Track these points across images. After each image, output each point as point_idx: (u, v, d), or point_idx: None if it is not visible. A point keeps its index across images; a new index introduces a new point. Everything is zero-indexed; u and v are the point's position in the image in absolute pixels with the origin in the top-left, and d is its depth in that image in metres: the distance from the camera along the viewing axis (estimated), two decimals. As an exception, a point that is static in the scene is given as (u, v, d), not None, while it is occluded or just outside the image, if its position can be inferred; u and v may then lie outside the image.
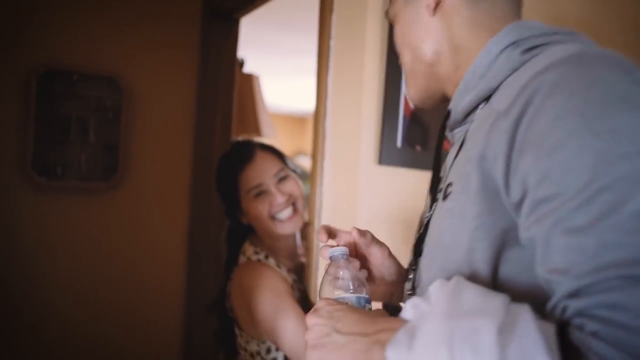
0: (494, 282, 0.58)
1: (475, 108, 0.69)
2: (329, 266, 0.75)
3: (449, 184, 0.65)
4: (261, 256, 1.42)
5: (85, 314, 1.96)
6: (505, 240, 0.58)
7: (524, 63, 0.63)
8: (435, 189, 0.75)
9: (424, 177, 1.36)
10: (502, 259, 0.58)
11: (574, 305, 0.47)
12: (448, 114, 0.75)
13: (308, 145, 7.47)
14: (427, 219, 0.73)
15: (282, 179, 1.42)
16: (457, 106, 0.71)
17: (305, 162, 7.35)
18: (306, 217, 1.47)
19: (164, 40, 2.17)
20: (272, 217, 1.39)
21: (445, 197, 0.66)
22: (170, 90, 2.19)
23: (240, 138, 2.59)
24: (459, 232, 0.61)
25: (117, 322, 2.01)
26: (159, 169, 2.16)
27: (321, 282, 0.75)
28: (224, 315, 1.47)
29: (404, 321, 0.58)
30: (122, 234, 2.06)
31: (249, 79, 2.64)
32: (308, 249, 1.40)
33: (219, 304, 1.50)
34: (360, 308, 0.69)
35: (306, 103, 6.40)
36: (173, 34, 2.19)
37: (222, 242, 1.94)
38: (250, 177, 1.41)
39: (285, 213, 1.40)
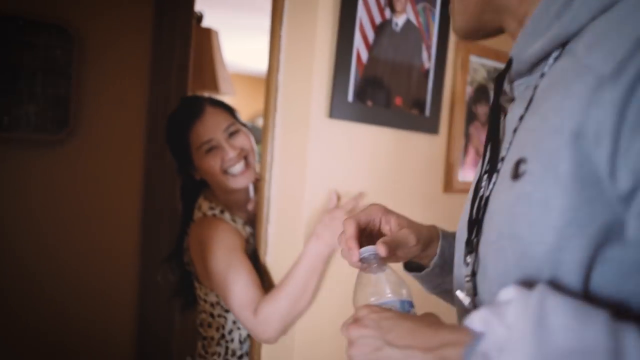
0: (584, 287, 0.47)
1: (547, 56, 0.56)
2: (360, 270, 0.67)
3: (521, 160, 0.52)
4: (216, 211, 1.43)
5: (34, 268, 1.93)
6: (604, 239, 0.46)
7: (618, 1, 0.50)
8: (495, 159, 0.61)
9: (374, 131, 1.38)
10: (598, 261, 0.46)
11: None
12: (509, 63, 0.63)
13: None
14: (483, 194, 0.62)
15: (232, 134, 1.42)
16: (522, 53, 0.59)
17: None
18: (258, 170, 1.48)
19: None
20: (225, 172, 1.39)
21: (516, 175, 0.53)
22: (123, 42, 2.12)
23: (197, 93, 2.55)
24: (541, 225, 0.49)
25: (67, 276, 1.99)
26: (112, 123, 2.11)
27: (355, 289, 0.66)
28: (182, 268, 1.48)
29: (470, 333, 0.48)
30: (72, 189, 2.02)
31: (208, 34, 2.58)
32: (259, 203, 1.41)
33: (175, 257, 1.51)
34: (407, 312, 0.61)
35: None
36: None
37: (178, 197, 1.93)
38: (200, 132, 1.40)
39: (238, 167, 1.40)
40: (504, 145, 0.60)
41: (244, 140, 1.44)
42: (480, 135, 1.66)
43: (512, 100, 0.64)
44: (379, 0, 1.35)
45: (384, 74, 1.39)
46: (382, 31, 1.37)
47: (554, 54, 0.55)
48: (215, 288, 1.37)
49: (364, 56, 1.34)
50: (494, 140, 0.62)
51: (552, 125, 0.49)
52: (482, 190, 0.62)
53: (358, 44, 1.32)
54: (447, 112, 1.57)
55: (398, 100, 1.43)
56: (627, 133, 0.42)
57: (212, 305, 1.44)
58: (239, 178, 1.41)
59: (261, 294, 1.27)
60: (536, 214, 0.49)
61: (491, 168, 0.61)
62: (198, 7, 2.40)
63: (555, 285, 0.47)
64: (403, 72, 1.44)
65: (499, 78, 0.66)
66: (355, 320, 0.59)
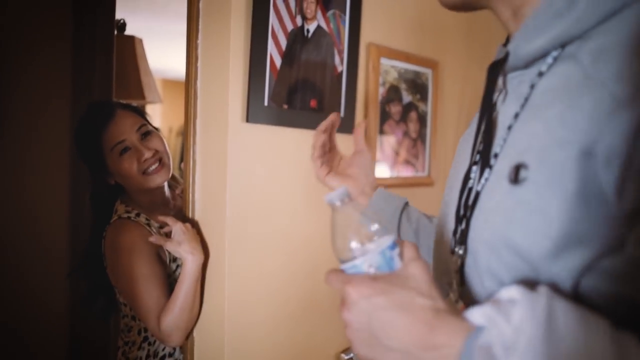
0: (573, 291, 0.49)
1: (545, 54, 0.56)
2: (333, 217, 0.60)
3: (522, 165, 0.53)
4: (132, 214, 1.45)
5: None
6: (601, 251, 0.47)
7: (627, 5, 0.49)
8: (487, 154, 0.61)
9: (291, 133, 1.45)
10: (591, 268, 0.48)
11: None
12: (505, 56, 0.61)
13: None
14: (473, 187, 0.63)
15: (145, 134, 1.46)
16: (520, 49, 0.58)
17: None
18: (176, 172, 1.52)
19: (33, 6, 2.06)
20: (141, 173, 1.42)
21: (516, 180, 0.53)
22: (44, 54, 2.10)
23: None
24: (539, 233, 0.50)
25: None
26: (35, 135, 2.08)
27: (332, 237, 0.60)
28: (101, 274, 1.49)
29: (470, 330, 0.48)
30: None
31: (131, 42, 2.58)
32: (183, 207, 1.45)
33: (90, 263, 1.51)
34: (390, 268, 0.55)
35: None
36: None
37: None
38: (113, 133, 1.43)
39: (153, 167, 1.44)
40: (497, 140, 0.60)
41: (157, 141, 1.49)
42: (394, 132, 1.77)
43: (501, 91, 0.64)
44: (290, 8, 1.42)
45: (298, 78, 1.46)
46: (294, 37, 1.44)
47: (554, 54, 0.55)
48: (123, 293, 1.41)
49: (278, 62, 1.40)
50: (487, 134, 0.62)
51: (558, 137, 0.49)
52: (471, 182, 0.64)
53: (271, 49, 1.39)
54: (361, 113, 1.66)
55: (313, 103, 1.50)
56: (637, 157, 0.43)
57: (132, 310, 1.46)
58: (155, 177, 1.46)
59: (166, 302, 1.34)
60: (535, 222, 0.50)
61: (483, 162, 0.61)
62: (120, 15, 2.40)
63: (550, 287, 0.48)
64: (317, 75, 1.51)
65: (492, 69, 0.65)
66: (346, 304, 0.54)
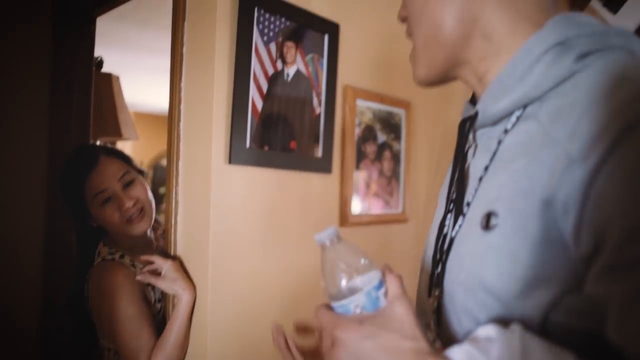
0: (540, 327, 0.54)
1: (509, 114, 0.62)
2: (322, 257, 0.62)
3: (492, 213, 0.58)
4: (116, 256, 1.46)
5: None
6: (564, 289, 0.52)
7: (575, 72, 0.56)
8: (460, 202, 0.67)
9: (272, 174, 1.49)
10: (556, 305, 0.53)
11: None
12: (475, 115, 0.67)
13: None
14: (447, 233, 0.68)
15: (128, 184, 1.48)
16: (488, 109, 0.64)
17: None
18: (160, 216, 1.53)
19: (10, 37, 2.08)
20: (124, 221, 1.44)
21: (487, 227, 0.58)
22: (21, 90, 2.10)
23: (99, 141, 2.55)
24: (509, 275, 0.55)
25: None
26: (11, 173, 2.07)
27: (322, 273, 0.62)
28: (84, 316, 1.48)
29: None
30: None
31: (108, 79, 2.60)
32: (166, 247, 1.47)
33: (74, 305, 1.51)
34: (375, 307, 0.58)
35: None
36: (21, 32, 2.11)
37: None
38: (95, 182, 1.45)
39: (135, 216, 1.45)
40: (469, 190, 0.66)
41: (139, 190, 1.50)
42: (370, 171, 1.83)
43: (471, 145, 0.70)
44: (270, 53, 1.48)
45: (279, 120, 1.51)
46: (274, 81, 1.50)
47: (517, 113, 0.61)
48: (109, 335, 1.40)
49: (259, 105, 1.46)
50: (460, 184, 0.68)
51: (523, 188, 0.54)
52: (445, 228, 0.69)
53: (253, 93, 1.44)
54: (338, 152, 1.72)
55: (293, 144, 1.55)
56: (590, 206, 0.48)
57: (115, 353, 1.45)
58: (137, 226, 1.47)
59: (154, 343, 1.34)
60: (505, 265, 0.55)
61: (456, 210, 0.67)
62: (97, 52, 2.42)
63: (522, 324, 0.53)
64: (296, 117, 1.57)
65: (463, 125, 0.71)
66: (335, 344, 0.56)
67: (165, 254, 1.45)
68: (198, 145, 1.40)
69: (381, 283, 0.60)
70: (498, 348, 0.50)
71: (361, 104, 1.78)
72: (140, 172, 1.57)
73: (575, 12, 0.62)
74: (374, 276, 0.60)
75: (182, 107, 1.45)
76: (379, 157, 1.87)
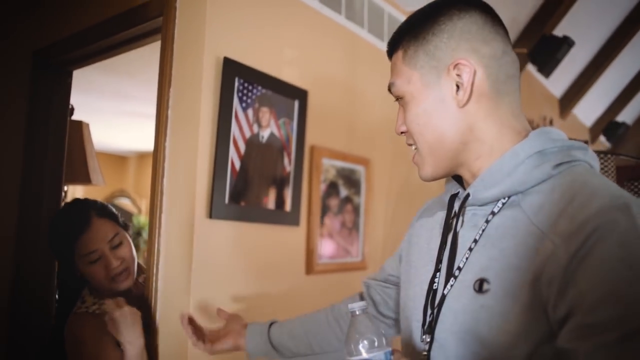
0: None
1: (496, 200, 0.78)
2: (350, 321, 0.80)
3: (484, 280, 0.73)
4: (95, 307, 1.54)
5: None
6: (542, 342, 0.67)
7: (552, 176, 0.74)
8: (451, 266, 0.81)
9: (248, 227, 1.63)
10: (535, 354, 0.68)
11: None
12: (467, 195, 0.82)
13: (129, 186, 7.31)
14: (437, 289, 0.82)
15: (116, 246, 1.57)
16: (479, 193, 0.79)
17: (126, 203, 7.14)
18: (143, 267, 1.63)
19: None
20: (108, 278, 1.53)
21: (480, 290, 0.73)
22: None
23: (67, 187, 2.60)
24: (500, 329, 0.70)
25: None
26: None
27: (346, 337, 0.79)
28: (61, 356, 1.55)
29: None
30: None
31: (79, 127, 2.67)
32: (147, 299, 1.56)
33: (51, 350, 1.57)
34: None
35: (128, 142, 6.34)
36: (0, 82, 2.19)
37: (51, 296, 1.98)
38: (86, 243, 1.53)
39: (120, 275, 1.55)
40: (459, 257, 0.80)
41: (126, 251, 1.59)
42: (333, 223, 2.00)
43: (457, 218, 0.84)
44: (248, 118, 1.65)
45: (254, 178, 1.67)
46: (251, 143, 1.66)
47: (502, 200, 0.77)
48: None
49: (237, 164, 1.61)
50: (452, 252, 0.82)
51: (513, 264, 0.71)
52: (435, 285, 0.83)
53: (232, 154, 1.59)
54: (305, 207, 1.88)
55: (266, 200, 1.71)
56: (566, 283, 0.64)
57: None
58: (120, 284, 1.56)
59: None
60: (497, 321, 0.70)
61: (448, 273, 0.81)
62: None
63: None
64: (269, 175, 1.73)
65: (451, 200, 0.88)
66: None
67: (145, 301, 1.55)
68: (181, 201, 1.53)
69: (392, 352, 0.77)
70: None
71: (326, 162, 1.97)
72: (126, 226, 1.67)
73: (548, 127, 0.81)
74: (387, 345, 0.77)
75: (166, 164, 1.58)
76: (341, 210, 2.04)
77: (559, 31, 3.59)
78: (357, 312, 0.79)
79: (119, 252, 1.57)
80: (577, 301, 0.63)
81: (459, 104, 0.80)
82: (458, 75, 0.80)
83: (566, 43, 3.59)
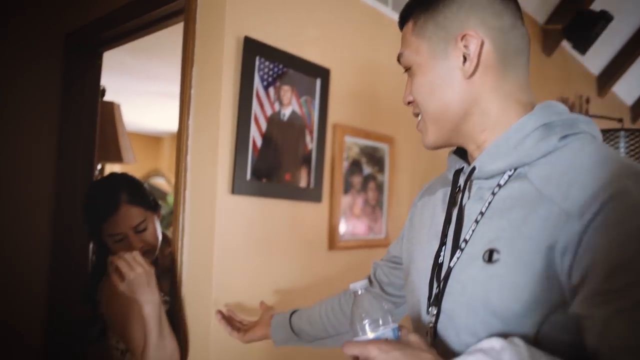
0: (535, 339, 0.69)
1: (502, 172, 0.78)
2: (354, 301, 0.79)
3: (494, 250, 0.74)
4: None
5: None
6: (553, 310, 0.68)
7: (558, 148, 0.74)
8: (457, 239, 0.81)
9: (269, 203, 1.67)
10: (545, 322, 0.69)
11: None
12: (473, 168, 0.82)
13: (164, 166, 7.48)
14: (443, 262, 0.83)
15: (141, 231, 1.64)
16: (485, 166, 0.80)
17: (161, 182, 7.33)
18: (170, 239, 1.70)
19: (24, 69, 2.24)
20: None
21: (490, 261, 0.74)
22: (30, 119, 2.26)
23: (100, 165, 2.70)
24: (511, 298, 0.70)
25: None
26: (21, 196, 2.21)
27: (351, 317, 0.78)
28: (96, 319, 1.64)
29: None
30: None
31: (111, 107, 2.76)
32: (173, 271, 1.62)
33: (86, 309, 1.66)
34: (397, 338, 0.74)
35: (162, 123, 6.47)
36: (34, 64, 2.28)
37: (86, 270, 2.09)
38: (112, 226, 1.61)
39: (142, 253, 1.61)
40: (465, 229, 0.80)
41: (150, 235, 1.66)
42: (356, 200, 2.01)
43: (462, 191, 0.84)
44: (269, 97, 1.67)
45: (275, 155, 1.70)
46: (272, 121, 1.68)
47: (508, 172, 0.77)
48: (121, 336, 1.56)
49: (259, 142, 1.64)
50: (458, 225, 0.82)
51: (522, 233, 0.71)
52: (441, 259, 0.83)
53: (253, 132, 1.62)
54: (328, 183, 1.90)
55: (287, 176, 1.74)
56: (581, 251, 0.65)
57: (122, 353, 1.60)
58: None
59: None
60: (507, 290, 0.70)
61: (454, 245, 0.81)
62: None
63: (520, 337, 0.67)
64: (291, 152, 1.75)
65: (457, 174, 0.88)
66: (367, 357, 0.70)
67: (171, 273, 1.61)
68: (204, 177, 1.57)
69: (399, 328, 0.76)
70: (509, 356, 0.64)
71: (349, 139, 1.98)
72: (156, 206, 1.73)
73: (552, 101, 0.81)
74: (393, 321, 0.77)
75: (189, 142, 1.63)
76: (364, 187, 2.05)
77: (596, 5, 3.47)
78: (360, 292, 0.79)
79: (143, 236, 1.64)
80: (592, 268, 0.64)
81: (465, 75, 0.80)
82: (465, 46, 0.80)
83: (604, 18, 3.46)
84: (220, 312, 1.44)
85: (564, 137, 0.75)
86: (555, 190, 0.70)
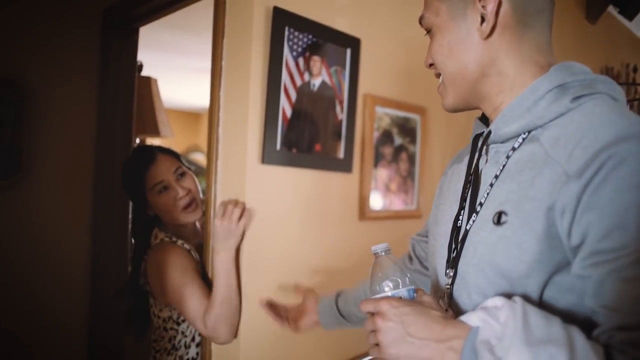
0: (539, 299, 0.71)
1: (517, 135, 0.79)
2: (374, 263, 0.82)
3: (502, 212, 0.75)
4: (173, 238, 1.68)
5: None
6: (556, 270, 0.69)
7: (571, 109, 0.74)
8: (474, 203, 0.83)
9: (300, 173, 1.69)
10: (549, 283, 0.70)
11: (621, 335, 0.60)
12: (489, 132, 0.83)
13: (203, 142, 7.59)
14: (461, 226, 0.85)
15: (181, 175, 1.69)
16: (499, 129, 0.81)
17: (200, 158, 7.46)
18: (203, 208, 1.74)
19: (63, 46, 2.31)
20: (177, 209, 1.66)
21: (499, 222, 0.75)
22: (70, 94, 2.34)
23: (139, 139, 2.78)
24: (516, 259, 0.72)
25: (21, 322, 2.15)
26: (61, 169, 2.31)
27: (371, 278, 0.81)
28: (138, 291, 1.71)
29: (470, 328, 0.69)
30: (22, 234, 2.19)
31: (148, 82, 2.82)
32: (205, 235, 1.68)
33: (133, 283, 1.74)
34: (412, 299, 0.78)
35: (200, 99, 6.54)
36: (73, 41, 2.35)
37: (126, 234, 2.17)
38: (153, 175, 1.68)
39: (188, 206, 1.67)
40: (481, 193, 0.82)
41: (190, 182, 1.73)
42: (387, 171, 2.01)
43: (481, 156, 0.86)
44: (299, 67, 1.68)
45: (305, 125, 1.71)
46: (302, 91, 1.69)
47: (523, 135, 0.78)
48: (172, 303, 1.61)
49: (288, 112, 1.65)
50: (474, 189, 0.84)
51: (529, 195, 0.72)
52: (460, 222, 0.86)
53: (283, 102, 1.63)
54: (358, 154, 1.90)
55: (317, 147, 1.75)
56: (580, 211, 0.65)
57: (164, 320, 1.68)
58: (189, 214, 1.69)
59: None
60: (513, 252, 0.72)
61: (470, 209, 0.83)
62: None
63: (524, 297, 0.70)
64: (321, 123, 1.76)
65: (475, 139, 0.90)
66: (380, 314, 0.75)
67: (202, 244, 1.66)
68: (235, 147, 1.60)
69: (415, 290, 0.81)
70: (505, 313, 0.67)
71: (379, 110, 1.97)
72: (189, 168, 1.79)
73: (570, 62, 0.80)
74: (409, 283, 0.81)
75: (220, 113, 1.65)
76: (395, 158, 2.05)
77: (644, -32, 3.30)
78: (381, 254, 0.83)
79: (184, 182, 1.71)
80: (590, 228, 0.65)
81: (482, 35, 0.80)
82: (483, 7, 0.80)
83: (652, -19, 3.29)
84: (267, 303, 1.43)
85: (578, 97, 0.74)
86: (562, 151, 0.70)
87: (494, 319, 0.67)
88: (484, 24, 0.80)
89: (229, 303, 1.49)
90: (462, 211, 0.87)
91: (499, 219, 0.75)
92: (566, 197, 0.67)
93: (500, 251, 0.74)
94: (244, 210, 1.50)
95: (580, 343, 0.60)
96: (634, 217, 0.61)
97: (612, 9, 3.56)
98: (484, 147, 0.86)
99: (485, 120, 0.93)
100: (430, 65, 0.90)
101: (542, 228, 0.69)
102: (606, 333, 0.62)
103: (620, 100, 0.78)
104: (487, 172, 0.83)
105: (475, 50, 0.81)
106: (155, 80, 2.89)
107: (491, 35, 0.80)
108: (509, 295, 0.72)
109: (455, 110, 0.90)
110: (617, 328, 0.61)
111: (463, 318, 0.72)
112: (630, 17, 3.68)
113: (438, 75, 0.90)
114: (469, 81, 0.83)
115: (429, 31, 0.88)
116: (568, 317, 0.67)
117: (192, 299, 1.53)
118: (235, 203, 1.50)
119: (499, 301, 0.70)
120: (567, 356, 0.58)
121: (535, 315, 0.65)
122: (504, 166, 0.79)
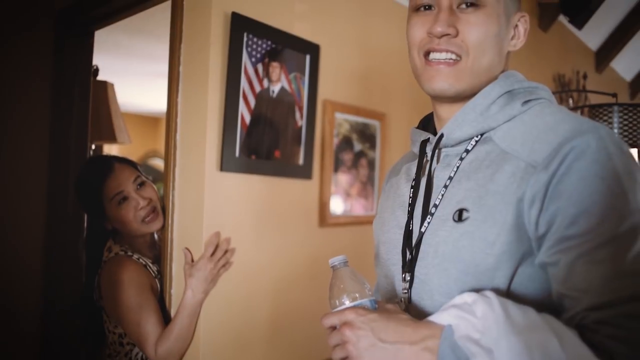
0: (507, 293, 0.72)
1: (469, 138, 0.82)
2: (333, 276, 0.80)
3: (463, 209, 0.77)
4: (128, 252, 1.64)
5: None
6: (522, 261, 0.71)
7: (522, 112, 0.79)
8: (427, 206, 0.84)
9: (259, 180, 1.68)
10: (517, 274, 0.72)
11: (593, 315, 0.63)
12: (440, 136, 0.84)
13: (162, 147, 7.43)
14: (413, 229, 0.85)
15: (140, 185, 1.65)
16: (452, 133, 0.83)
17: (159, 164, 7.32)
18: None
19: (15, 48, 2.23)
20: (140, 220, 1.61)
21: (460, 219, 0.77)
22: (23, 98, 2.26)
23: (94, 145, 2.71)
24: (482, 252, 0.73)
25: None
26: (13, 175, 2.22)
27: (330, 292, 0.79)
28: (92, 306, 1.65)
29: (442, 327, 0.69)
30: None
31: (104, 87, 2.75)
32: (163, 245, 1.64)
33: (86, 298, 1.68)
34: (374, 309, 0.76)
35: (159, 103, 6.44)
36: (25, 43, 2.27)
37: (82, 243, 2.10)
38: (112, 186, 1.62)
39: (149, 216, 1.63)
40: (434, 195, 0.83)
41: (150, 191, 1.67)
42: (347, 177, 2.02)
43: (429, 160, 0.86)
44: (258, 73, 1.67)
45: (264, 132, 1.70)
46: (261, 97, 1.68)
47: (476, 137, 0.81)
48: (123, 322, 1.57)
49: (247, 118, 1.64)
50: (427, 191, 0.84)
51: (490, 190, 0.74)
52: (412, 226, 0.85)
53: (242, 109, 1.62)
54: (318, 160, 1.91)
55: (277, 153, 1.74)
56: (547, 201, 0.68)
57: (120, 335, 1.62)
58: (149, 225, 1.63)
59: (162, 331, 1.51)
60: (478, 246, 0.73)
61: (424, 211, 0.83)
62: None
63: (493, 290, 0.70)
64: (280, 129, 1.76)
65: (423, 144, 0.89)
66: (347, 324, 0.73)
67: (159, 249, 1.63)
68: (193, 154, 1.58)
69: (375, 300, 0.79)
70: (481, 307, 0.67)
71: (339, 116, 1.98)
72: (147, 177, 1.74)
73: (512, 71, 0.85)
74: (369, 294, 0.79)
75: (178, 120, 1.63)
76: (355, 164, 2.06)
77: (592, -21, 3.43)
78: (338, 266, 0.81)
79: (144, 192, 1.65)
80: (557, 216, 0.68)
81: (512, 47, 0.86)
82: (516, 26, 0.86)
83: (601, -9, 3.43)
84: None
85: (527, 102, 0.80)
86: (520, 148, 0.75)
87: (469, 314, 0.68)
88: (514, 40, 0.86)
89: (184, 339, 1.50)
90: (411, 216, 0.87)
91: (459, 216, 0.77)
92: (536, 187, 0.70)
93: (464, 247, 0.75)
94: (227, 251, 1.56)
95: (561, 328, 0.62)
96: (598, 203, 0.65)
97: (562, 18, 3.69)
98: (435, 152, 0.87)
99: (426, 128, 0.95)
100: (446, 35, 0.79)
101: (510, 219, 0.72)
102: (579, 315, 0.64)
103: (555, 104, 0.84)
104: (439, 175, 0.85)
105: (501, 48, 0.83)
106: (112, 85, 2.83)
107: (509, 53, 0.86)
108: (475, 292, 0.72)
109: (447, 95, 0.83)
110: (589, 309, 0.63)
111: (432, 318, 0.72)
112: (580, 26, 3.82)
113: (449, 51, 0.80)
114: (483, 80, 0.82)
115: (471, 4, 0.80)
116: (534, 307, 0.68)
117: (146, 324, 1.50)
118: (227, 242, 1.57)
119: (468, 297, 0.70)
120: (557, 341, 0.60)
121: (512, 306, 0.66)
122: (458, 167, 0.82)
